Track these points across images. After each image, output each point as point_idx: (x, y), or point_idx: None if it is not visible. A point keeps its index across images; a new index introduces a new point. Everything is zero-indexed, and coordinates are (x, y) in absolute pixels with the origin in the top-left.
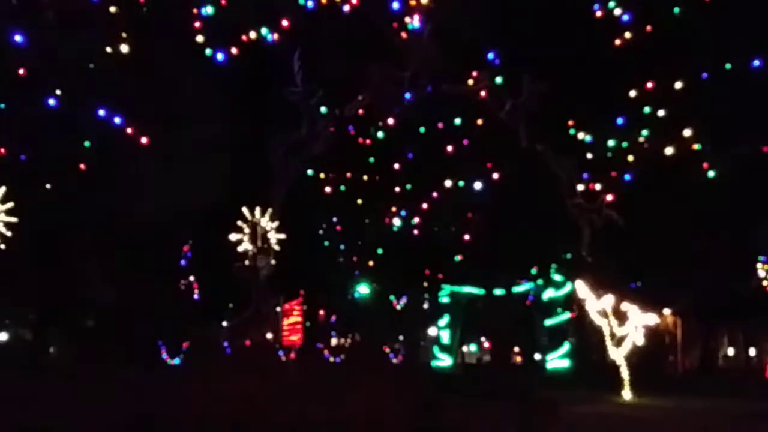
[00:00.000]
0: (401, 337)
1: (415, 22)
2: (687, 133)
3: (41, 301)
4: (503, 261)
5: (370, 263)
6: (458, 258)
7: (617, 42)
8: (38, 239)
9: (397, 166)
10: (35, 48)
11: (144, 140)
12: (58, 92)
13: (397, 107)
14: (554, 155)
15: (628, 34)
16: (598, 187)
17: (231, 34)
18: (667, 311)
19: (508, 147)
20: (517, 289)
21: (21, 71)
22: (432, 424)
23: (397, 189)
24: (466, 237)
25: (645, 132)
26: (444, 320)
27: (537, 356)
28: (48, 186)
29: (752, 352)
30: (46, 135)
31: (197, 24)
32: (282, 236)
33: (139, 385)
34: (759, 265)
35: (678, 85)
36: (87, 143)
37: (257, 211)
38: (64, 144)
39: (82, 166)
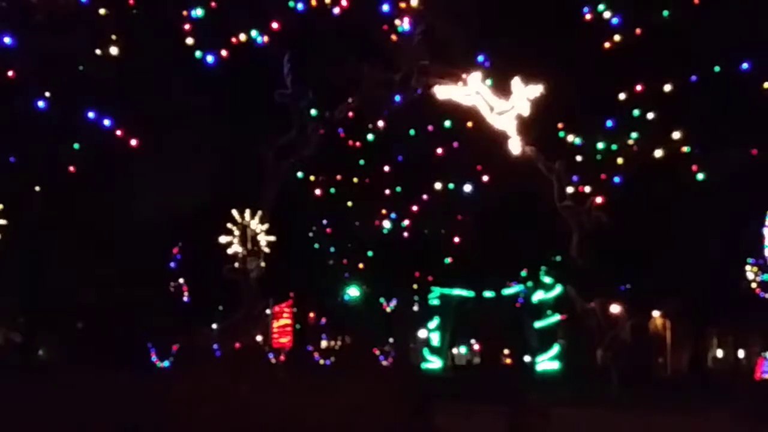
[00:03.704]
0: (391, 340)
1: (405, 24)
2: (676, 135)
3: (31, 303)
4: (493, 263)
5: (360, 265)
6: (448, 260)
7: (606, 45)
8: (28, 241)
9: (387, 168)
10: (24, 50)
11: (133, 142)
12: (47, 94)
13: (387, 109)
14: (543, 158)
15: (617, 37)
16: (587, 189)
17: (221, 36)
18: (656, 313)
19: (497, 150)
20: (507, 291)
21: (10, 73)
22: (422, 426)
23: (387, 191)
24: (456, 239)
25: (634, 134)
26: (434, 322)
27: (527, 358)
28: (37, 188)
29: (741, 353)
30: (36, 137)
31: (187, 26)
32: (272, 238)
33: (128, 388)
34: (748, 267)
35: (667, 87)
36: (76, 145)
37: (247, 213)
38: (54, 146)
39: (71, 168)
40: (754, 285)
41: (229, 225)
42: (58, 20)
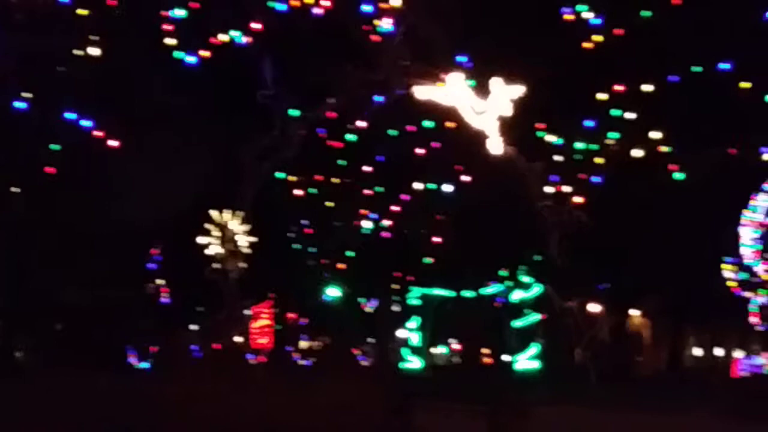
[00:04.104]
0: (371, 340)
1: (386, 24)
2: (655, 135)
3: (9, 305)
4: (473, 263)
5: (340, 266)
6: (428, 260)
7: (586, 45)
8: (6, 243)
9: (367, 168)
10: (3, 50)
11: (113, 143)
12: (26, 95)
13: (368, 110)
14: (523, 158)
15: (597, 37)
16: (567, 189)
17: (202, 36)
18: (635, 312)
19: (478, 150)
20: (487, 290)
21: None
22: (402, 426)
23: (368, 192)
24: (436, 239)
25: (613, 134)
26: (414, 322)
27: (506, 357)
28: (16, 189)
29: (718, 352)
30: (15, 138)
31: (167, 26)
32: (252, 239)
33: (108, 390)
34: (726, 266)
35: (646, 87)
36: (56, 146)
37: (227, 214)
38: (33, 147)
39: (51, 168)
40: (731, 284)
41: (208, 226)
42: (37, 20)
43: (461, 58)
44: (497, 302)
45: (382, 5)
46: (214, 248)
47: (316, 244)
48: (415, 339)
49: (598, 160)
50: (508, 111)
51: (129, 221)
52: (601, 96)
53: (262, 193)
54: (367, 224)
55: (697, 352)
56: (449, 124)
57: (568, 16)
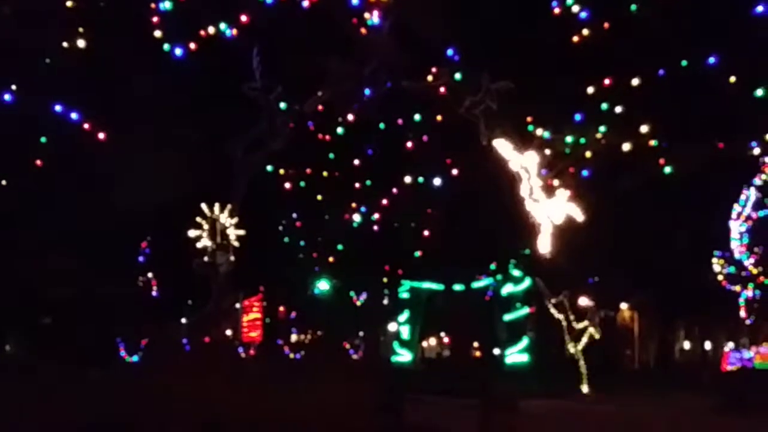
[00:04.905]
0: (361, 333)
1: (374, 17)
2: (644, 129)
3: None
4: (462, 256)
5: (330, 259)
6: (418, 253)
7: (575, 39)
8: None
9: (356, 162)
10: None
11: (101, 136)
12: (13, 87)
13: (357, 103)
14: (513, 151)
15: (585, 31)
16: (556, 182)
17: (189, 29)
18: (624, 306)
19: (467, 143)
20: (477, 284)
21: None
22: (392, 419)
23: (357, 185)
24: (426, 233)
25: (602, 128)
26: (404, 316)
27: (496, 351)
28: (3, 182)
29: (708, 345)
30: (1, 131)
31: (155, 19)
32: (241, 232)
33: (98, 384)
34: (714, 260)
35: (635, 81)
36: (43, 139)
37: (216, 207)
38: (20, 140)
39: (38, 162)
40: (720, 277)
41: (198, 219)
42: (25, 12)
43: (450, 52)
44: (487, 296)
45: None
46: (204, 241)
47: (306, 238)
48: (405, 332)
49: (588, 154)
50: (497, 104)
51: (118, 215)
52: (590, 90)
53: (252, 186)
54: (356, 218)
55: (686, 345)
56: (438, 118)
57: (557, 10)
